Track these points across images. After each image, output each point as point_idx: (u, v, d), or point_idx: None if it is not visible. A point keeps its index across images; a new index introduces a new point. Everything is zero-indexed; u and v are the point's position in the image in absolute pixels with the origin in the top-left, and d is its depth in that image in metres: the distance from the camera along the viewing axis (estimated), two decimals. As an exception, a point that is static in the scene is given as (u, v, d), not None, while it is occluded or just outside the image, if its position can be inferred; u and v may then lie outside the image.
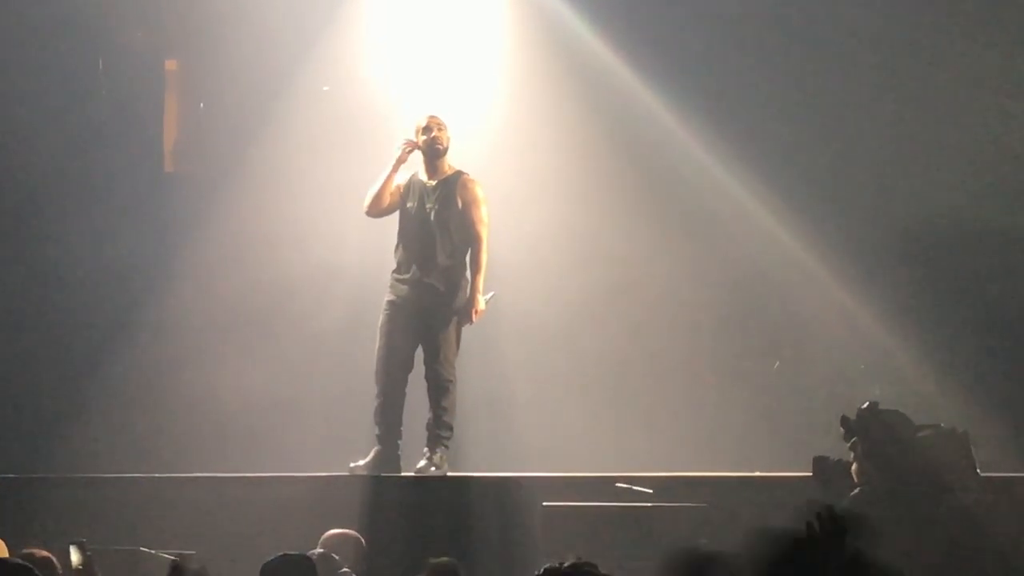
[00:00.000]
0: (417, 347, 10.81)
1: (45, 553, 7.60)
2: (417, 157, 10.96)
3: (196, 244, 13.34)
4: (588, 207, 13.15)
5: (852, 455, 8.06)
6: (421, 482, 10.52)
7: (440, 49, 13.48)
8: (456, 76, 13.34)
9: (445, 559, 7.30)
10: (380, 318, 10.86)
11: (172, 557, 9.28)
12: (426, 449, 10.70)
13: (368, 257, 11.37)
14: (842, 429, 8.08)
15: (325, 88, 13.62)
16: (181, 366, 13.16)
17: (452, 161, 10.98)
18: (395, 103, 13.05)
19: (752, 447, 11.69)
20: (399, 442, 10.81)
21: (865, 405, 8.14)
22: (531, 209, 12.99)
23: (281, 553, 7.21)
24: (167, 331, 13.35)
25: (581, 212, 13.16)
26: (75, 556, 8.02)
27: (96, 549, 8.98)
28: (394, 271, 10.91)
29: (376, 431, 10.81)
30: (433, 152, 10.87)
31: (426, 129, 10.87)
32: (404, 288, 10.83)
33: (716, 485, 9.91)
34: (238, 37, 13.49)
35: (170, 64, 14.31)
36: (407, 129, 11.05)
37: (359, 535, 8.91)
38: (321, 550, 8.31)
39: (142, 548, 9.41)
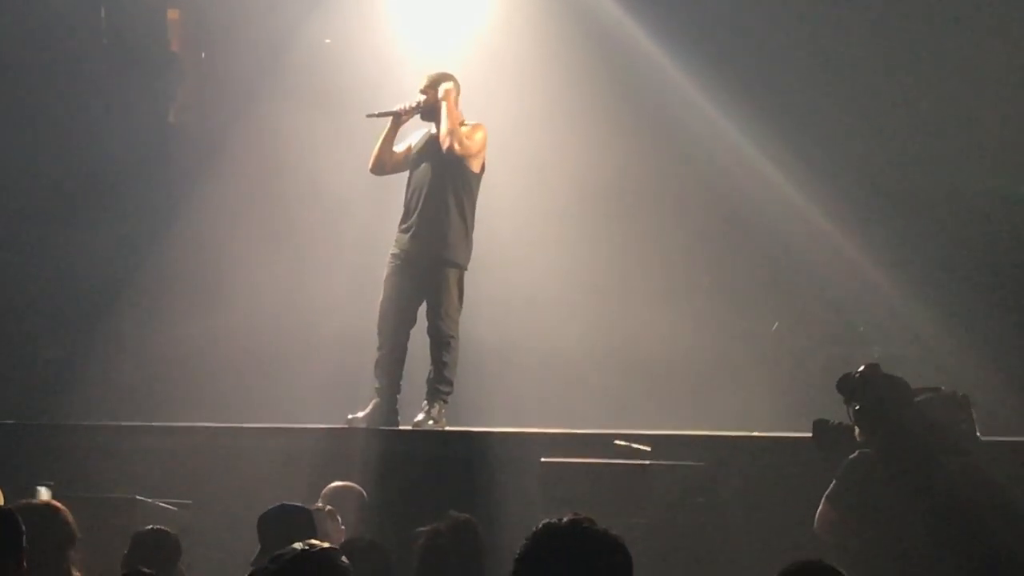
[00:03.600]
0: (421, 302, 10.78)
1: (45, 500, 7.57)
2: None
3: (198, 194, 13.32)
4: (593, 177, 13.13)
5: (852, 417, 8.02)
6: (419, 436, 10.51)
7: (448, 8, 13.47)
8: (465, 41, 13.33)
9: (465, 515, 7.24)
10: (385, 271, 10.84)
11: (169, 506, 9.31)
12: (425, 403, 10.69)
13: (373, 211, 11.32)
14: (840, 391, 8.04)
15: (327, 41, 13.58)
16: (182, 315, 13.16)
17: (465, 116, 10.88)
18: (397, 59, 13.01)
19: (751, 407, 11.68)
20: (398, 396, 10.81)
21: (864, 367, 8.09)
22: (534, 177, 12.99)
23: (279, 503, 7.23)
24: (167, 280, 13.34)
25: (586, 182, 13.14)
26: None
27: (94, 496, 9.02)
28: (400, 224, 10.87)
29: (376, 384, 10.81)
30: (423, 113, 10.82)
31: (422, 91, 10.83)
32: (407, 240, 10.78)
33: (714, 444, 9.89)
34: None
35: (172, 14, 14.26)
36: (410, 84, 11.04)
37: (361, 488, 8.91)
38: (321, 505, 8.31)
39: (138, 496, 9.41)
